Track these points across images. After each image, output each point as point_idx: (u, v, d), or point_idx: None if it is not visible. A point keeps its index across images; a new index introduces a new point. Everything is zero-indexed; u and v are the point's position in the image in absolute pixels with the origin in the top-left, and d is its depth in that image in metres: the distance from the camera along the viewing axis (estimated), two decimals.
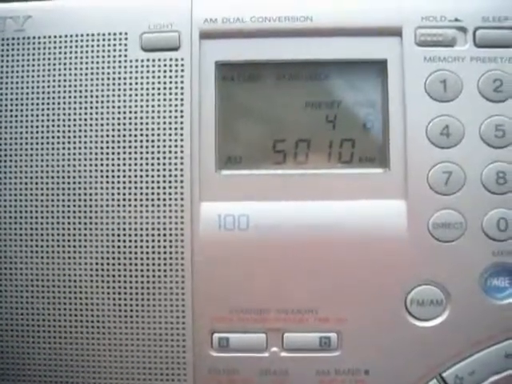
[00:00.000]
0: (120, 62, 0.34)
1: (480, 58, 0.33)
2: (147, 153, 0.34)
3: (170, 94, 0.34)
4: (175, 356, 0.33)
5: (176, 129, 0.34)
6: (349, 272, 0.33)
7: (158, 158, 0.33)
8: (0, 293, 0.34)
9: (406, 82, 0.33)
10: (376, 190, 0.33)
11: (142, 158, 0.34)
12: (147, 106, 0.34)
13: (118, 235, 0.33)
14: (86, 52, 0.34)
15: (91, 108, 0.34)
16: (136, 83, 0.34)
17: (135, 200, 0.33)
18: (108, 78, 0.34)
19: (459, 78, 0.33)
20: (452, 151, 0.33)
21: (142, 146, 0.34)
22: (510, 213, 0.33)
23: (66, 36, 0.35)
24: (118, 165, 0.34)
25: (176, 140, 0.34)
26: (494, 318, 0.33)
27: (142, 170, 0.33)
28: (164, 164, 0.33)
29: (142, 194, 0.33)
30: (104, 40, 0.34)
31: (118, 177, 0.34)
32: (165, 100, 0.34)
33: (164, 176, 0.33)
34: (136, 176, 0.33)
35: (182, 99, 0.34)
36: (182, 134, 0.34)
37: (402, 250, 0.33)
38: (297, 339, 0.33)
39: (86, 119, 0.34)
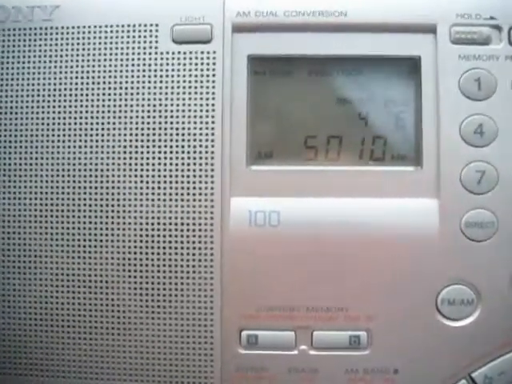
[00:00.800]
0: (150, 53, 0.34)
1: None
2: (177, 147, 0.33)
3: (201, 87, 0.33)
4: (203, 353, 0.33)
5: (207, 123, 0.33)
6: (379, 270, 0.33)
7: (189, 152, 0.33)
8: (28, 287, 0.33)
9: (439, 80, 0.33)
10: (408, 188, 0.33)
11: (172, 152, 0.33)
12: (178, 98, 0.33)
13: (147, 230, 0.33)
14: (116, 43, 0.34)
15: (120, 100, 0.33)
16: (167, 76, 0.33)
17: (165, 195, 0.33)
18: (138, 70, 0.34)
19: (493, 76, 0.33)
20: (485, 150, 0.33)
21: (172, 140, 0.33)
22: None
23: (94, 27, 0.34)
24: (147, 158, 0.33)
25: (207, 134, 0.33)
26: None
27: (172, 164, 0.33)
28: (195, 158, 0.33)
29: (172, 188, 0.33)
30: (134, 31, 0.34)
31: (147, 170, 0.33)
32: (196, 93, 0.33)
33: (194, 171, 0.33)
34: (166, 170, 0.33)
35: (213, 93, 0.33)
36: (213, 129, 0.33)
37: (433, 248, 0.33)
38: (326, 337, 0.33)
39: (114, 111, 0.33)
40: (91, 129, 0.33)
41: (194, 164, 0.33)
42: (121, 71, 0.34)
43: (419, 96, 0.33)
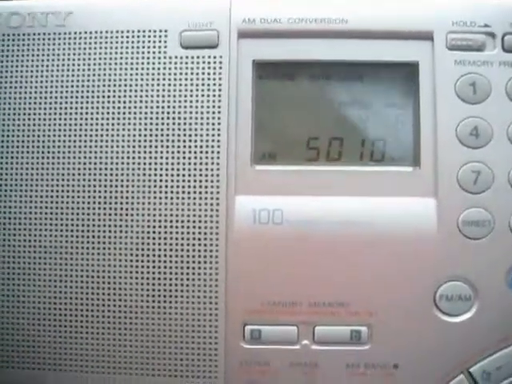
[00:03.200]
0: (160, 58, 0.35)
1: (508, 63, 0.35)
2: (185, 147, 0.34)
3: (208, 90, 0.35)
4: (207, 347, 0.34)
5: (213, 124, 0.34)
6: (380, 267, 0.34)
7: (195, 152, 0.34)
8: (35, 282, 0.34)
9: (436, 84, 0.35)
10: (407, 188, 0.34)
11: (179, 152, 0.34)
12: (185, 101, 0.35)
13: (154, 226, 0.34)
14: (127, 48, 0.35)
15: (130, 102, 0.35)
16: (175, 79, 0.35)
17: (171, 193, 0.34)
18: (147, 74, 0.35)
19: (488, 81, 0.35)
20: (481, 151, 0.34)
21: (179, 140, 0.34)
22: None
23: (106, 32, 0.35)
24: (156, 158, 0.34)
25: (213, 135, 0.34)
26: None
27: (179, 164, 0.34)
28: (201, 158, 0.34)
29: (178, 186, 0.34)
30: (144, 37, 0.35)
31: (155, 169, 0.34)
32: (203, 96, 0.35)
33: (201, 170, 0.34)
34: (173, 169, 0.34)
35: (219, 95, 0.35)
36: (219, 129, 0.34)
37: (431, 246, 0.34)
38: (328, 332, 0.34)
39: (125, 113, 0.35)
40: (102, 129, 0.35)
41: (201, 164, 0.34)
42: (131, 74, 0.35)
43: (417, 99, 0.35)
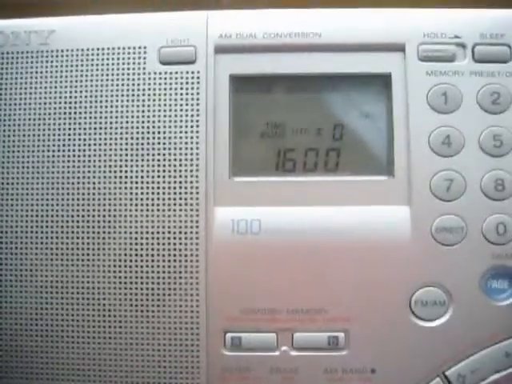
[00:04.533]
0: (139, 74, 0.36)
1: (478, 73, 0.36)
2: (164, 160, 0.35)
3: (187, 104, 0.36)
4: (189, 355, 0.35)
5: (192, 137, 0.35)
6: (356, 274, 0.35)
7: (175, 166, 0.35)
8: (21, 293, 0.35)
9: (409, 95, 0.35)
10: (381, 197, 0.35)
11: (159, 165, 0.35)
12: (165, 115, 0.36)
13: (136, 238, 0.35)
14: (107, 65, 0.36)
15: (111, 117, 0.36)
16: (154, 94, 0.36)
17: (152, 205, 0.35)
18: (128, 90, 0.36)
19: (459, 91, 0.35)
20: (453, 160, 0.35)
21: (159, 154, 0.35)
22: (508, 218, 0.35)
23: (87, 49, 0.36)
24: (136, 171, 0.35)
25: (192, 148, 0.35)
26: (495, 318, 0.34)
27: (159, 177, 0.35)
28: (180, 171, 0.35)
29: (159, 199, 0.35)
30: (124, 53, 0.36)
31: (136, 183, 0.35)
32: (181, 110, 0.36)
33: (180, 182, 0.35)
34: (153, 182, 0.35)
35: (197, 110, 0.36)
36: (197, 143, 0.35)
37: (406, 253, 0.35)
38: (306, 338, 0.35)
39: (106, 128, 0.36)
40: (84, 144, 0.36)
41: (180, 176, 0.35)
42: (111, 90, 0.36)
43: (390, 110, 0.36)
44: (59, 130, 0.36)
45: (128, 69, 0.36)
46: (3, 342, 0.35)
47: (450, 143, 0.35)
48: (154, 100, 0.36)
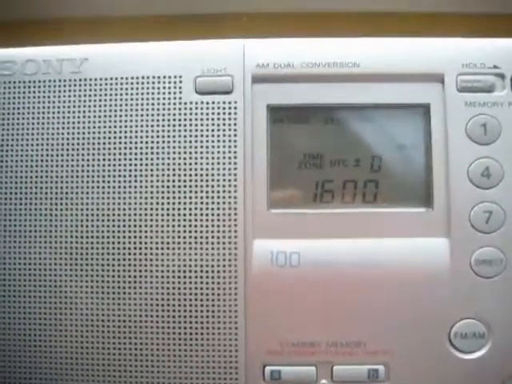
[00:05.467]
0: (175, 104, 0.35)
1: None
2: (201, 191, 0.35)
3: (224, 135, 0.35)
4: None
5: (230, 169, 0.35)
6: (395, 306, 0.35)
7: (213, 198, 0.35)
8: (61, 332, 0.35)
9: (448, 126, 0.35)
10: (420, 229, 0.35)
11: (197, 197, 0.35)
12: (201, 146, 0.35)
13: (173, 271, 0.35)
14: (142, 94, 0.36)
15: (147, 148, 0.35)
16: (190, 125, 0.35)
17: (190, 238, 0.35)
18: (163, 120, 0.35)
19: (498, 121, 0.35)
20: (492, 191, 0.35)
21: (197, 186, 0.35)
22: None
23: (121, 78, 0.36)
24: (173, 203, 0.35)
25: (230, 180, 0.35)
26: None
27: (197, 209, 0.35)
28: (218, 203, 0.35)
29: (196, 231, 0.35)
30: (159, 83, 0.36)
31: (173, 215, 0.35)
32: (219, 141, 0.35)
33: (218, 215, 0.35)
34: (191, 215, 0.35)
35: (235, 140, 0.35)
36: (235, 174, 0.35)
37: (445, 285, 0.35)
38: (346, 371, 0.35)
39: (141, 159, 0.35)
40: (119, 175, 0.35)
41: (218, 209, 0.35)
42: (147, 121, 0.35)
43: (429, 141, 0.36)
44: (93, 160, 0.35)
45: (163, 98, 0.36)
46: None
47: (490, 175, 0.35)
48: (191, 130, 0.35)
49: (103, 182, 0.35)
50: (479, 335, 0.35)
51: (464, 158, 0.35)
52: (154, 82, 0.36)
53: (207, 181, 0.35)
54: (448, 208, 0.35)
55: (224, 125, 0.35)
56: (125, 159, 0.35)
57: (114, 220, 0.35)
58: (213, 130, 0.35)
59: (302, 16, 0.50)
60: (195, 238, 0.35)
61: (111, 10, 0.51)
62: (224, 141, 0.35)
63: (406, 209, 0.35)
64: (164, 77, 0.36)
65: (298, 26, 0.46)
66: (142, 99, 0.36)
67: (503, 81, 0.36)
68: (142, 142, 0.35)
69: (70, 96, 0.36)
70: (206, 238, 0.35)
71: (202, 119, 0.35)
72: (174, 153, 0.35)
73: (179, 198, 0.35)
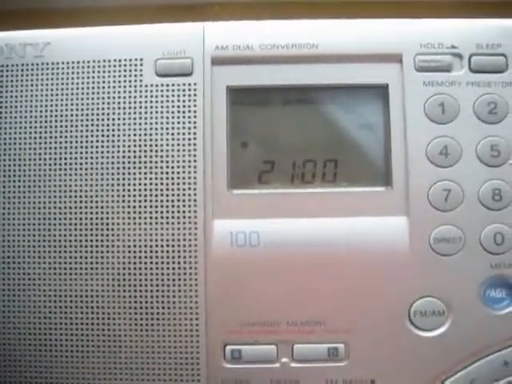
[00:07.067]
0: (136, 86, 0.36)
1: (475, 83, 0.36)
2: (161, 173, 0.35)
3: (184, 116, 0.36)
4: (189, 368, 0.35)
5: (189, 150, 0.35)
6: (355, 285, 0.35)
7: (173, 178, 0.35)
8: (19, 308, 0.35)
9: (406, 105, 0.36)
10: (379, 207, 0.35)
11: (156, 178, 0.35)
12: (161, 128, 0.36)
13: (135, 251, 0.35)
14: (103, 77, 0.36)
15: (107, 130, 0.36)
16: (151, 107, 0.36)
17: (150, 218, 0.35)
18: (124, 102, 0.36)
19: (456, 101, 0.36)
20: (451, 170, 0.35)
21: (156, 167, 0.35)
22: (506, 227, 0.35)
23: (83, 62, 0.36)
24: (134, 184, 0.35)
25: (189, 161, 0.35)
26: (493, 327, 0.35)
27: (156, 190, 0.35)
28: (178, 184, 0.35)
29: (156, 212, 0.35)
30: (120, 66, 0.36)
31: (134, 196, 0.35)
32: (178, 123, 0.36)
33: (178, 195, 0.35)
34: (151, 195, 0.35)
35: (195, 122, 0.35)
36: (195, 155, 0.35)
37: (404, 263, 0.35)
38: (306, 350, 0.35)
39: (102, 141, 0.36)
40: (80, 157, 0.36)
41: (178, 189, 0.35)
42: (108, 103, 0.36)
43: (388, 120, 0.36)
44: (55, 143, 0.36)
45: (124, 81, 0.36)
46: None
47: (448, 153, 0.35)
48: (151, 112, 0.36)
49: (65, 164, 0.36)
50: (438, 313, 0.35)
51: (422, 137, 0.35)
52: (115, 65, 0.36)
53: (167, 162, 0.35)
54: (407, 187, 0.35)
55: (184, 106, 0.36)
56: (87, 141, 0.36)
57: (73, 200, 0.35)
58: (173, 112, 0.36)
59: (276, 4, 0.50)
60: (156, 218, 0.35)
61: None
62: (184, 122, 0.36)
63: (365, 188, 0.36)
64: (125, 60, 0.36)
65: (272, 14, 0.46)
66: (104, 82, 0.36)
67: (461, 60, 0.36)
68: (103, 125, 0.36)
69: (33, 80, 0.36)
70: (166, 218, 0.35)
71: (162, 101, 0.36)
72: (135, 135, 0.36)
73: (140, 178, 0.35)
